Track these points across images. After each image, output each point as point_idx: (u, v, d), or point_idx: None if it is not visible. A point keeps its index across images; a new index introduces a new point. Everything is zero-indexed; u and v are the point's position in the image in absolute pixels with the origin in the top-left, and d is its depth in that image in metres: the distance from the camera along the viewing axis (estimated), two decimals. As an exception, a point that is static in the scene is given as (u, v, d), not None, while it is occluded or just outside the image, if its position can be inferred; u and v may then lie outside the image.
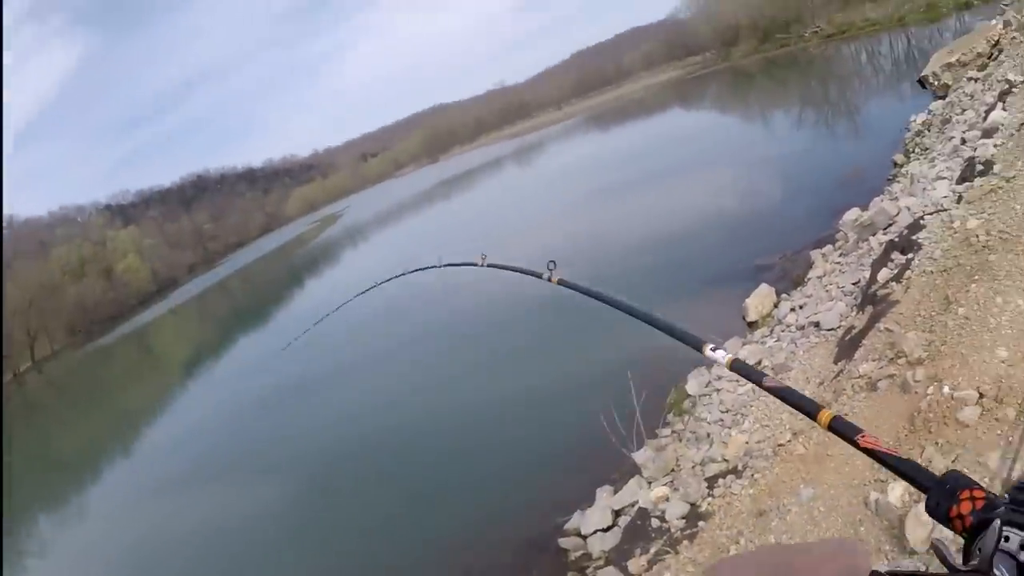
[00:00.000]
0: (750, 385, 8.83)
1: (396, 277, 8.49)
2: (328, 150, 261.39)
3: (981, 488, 1.20)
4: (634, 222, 26.55)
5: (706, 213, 23.04)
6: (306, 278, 63.07)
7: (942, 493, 1.25)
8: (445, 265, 6.90)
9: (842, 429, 1.69)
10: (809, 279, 13.05)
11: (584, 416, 11.33)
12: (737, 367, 2.22)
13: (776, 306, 12.83)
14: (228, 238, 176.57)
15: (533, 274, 4.00)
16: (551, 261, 3.81)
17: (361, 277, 46.25)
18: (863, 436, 1.59)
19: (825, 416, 1.74)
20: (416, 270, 7.90)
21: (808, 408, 1.83)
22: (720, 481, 8.18)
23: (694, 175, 30.85)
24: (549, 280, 3.77)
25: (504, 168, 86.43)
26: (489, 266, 5.20)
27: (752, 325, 12.78)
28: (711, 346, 2.36)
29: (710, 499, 7.98)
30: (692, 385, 11.41)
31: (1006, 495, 1.15)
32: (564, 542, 9.52)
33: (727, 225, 20.65)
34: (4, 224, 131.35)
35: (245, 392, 28.91)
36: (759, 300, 13.14)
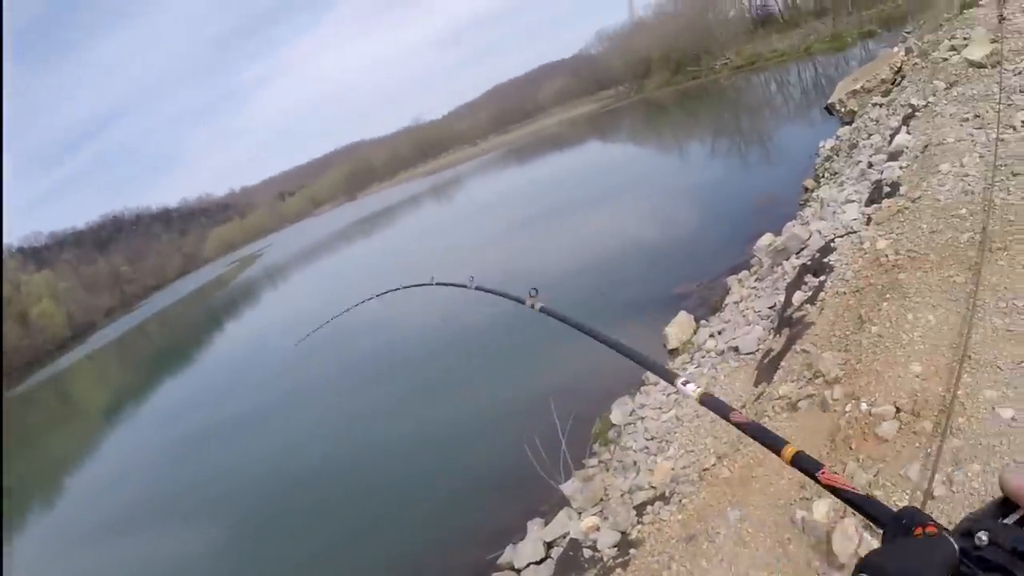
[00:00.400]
0: (673, 412, 8.97)
1: (391, 291, 8.61)
2: (245, 189, 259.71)
3: (935, 524, 1.21)
4: (552, 252, 26.75)
5: (624, 243, 23.30)
6: (225, 320, 62.56)
7: (898, 528, 1.26)
8: (437, 284, 6.92)
9: (804, 465, 1.71)
10: (727, 305, 13.27)
11: (512, 448, 11.34)
12: (706, 401, 2.24)
13: (695, 332, 13.03)
14: (146, 281, 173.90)
15: (517, 300, 4.03)
16: (533, 288, 3.85)
17: (283, 316, 46.09)
18: (823, 472, 1.64)
19: (789, 452, 1.76)
20: (411, 286, 7.95)
21: (774, 444, 1.85)
22: (649, 508, 8.22)
23: (611, 206, 31.19)
24: (531, 308, 3.80)
25: (422, 204, 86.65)
26: (477, 288, 5.27)
27: (673, 352, 12.93)
28: (682, 379, 2.36)
29: (640, 527, 8.01)
30: (616, 415, 11.49)
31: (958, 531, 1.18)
32: (497, 577, 9.50)
33: (645, 254, 20.93)
34: None
35: (167, 435, 28.61)
36: (679, 328, 13.31)
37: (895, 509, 1.30)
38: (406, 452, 15.64)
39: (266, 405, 25.09)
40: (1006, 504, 1.03)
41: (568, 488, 9.81)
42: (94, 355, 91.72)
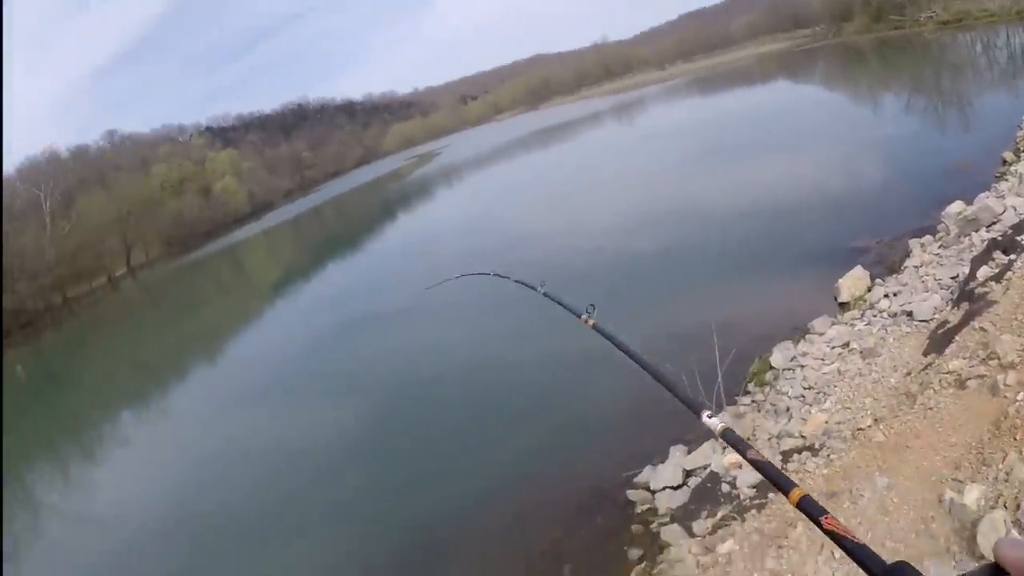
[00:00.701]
0: (836, 365, 8.93)
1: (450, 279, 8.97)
2: (428, 89, 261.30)
3: None
4: (732, 190, 26.27)
5: (806, 188, 22.76)
6: (397, 212, 63.57)
7: None
8: (499, 276, 7.10)
9: (809, 508, 1.75)
10: (906, 267, 12.92)
11: (666, 375, 11.43)
12: (727, 436, 2.27)
13: (869, 290, 12.73)
14: (325, 167, 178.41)
15: (574, 312, 4.15)
16: (591, 305, 3.95)
17: (454, 216, 46.54)
18: (827, 518, 1.71)
19: (796, 494, 1.79)
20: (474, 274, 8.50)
21: (783, 484, 1.91)
22: (795, 456, 8.27)
23: (795, 149, 30.33)
24: (585, 322, 3.89)
25: (602, 123, 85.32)
26: (545, 295, 5.37)
27: (843, 306, 12.70)
28: (707, 412, 2.40)
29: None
30: (777, 357, 11.44)
31: None
32: (632, 494, 9.72)
33: (827, 202, 20.37)
34: (107, 137, 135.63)
35: (325, 317, 29.49)
36: (853, 282, 13.04)
37: (888, 562, 1.38)
38: (565, 364, 15.87)
39: (424, 301, 25.66)
40: (997, 571, 1.11)
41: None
42: (269, 231, 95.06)
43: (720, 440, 2.27)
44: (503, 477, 12.04)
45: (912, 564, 1.32)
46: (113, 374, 37.66)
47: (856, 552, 1.46)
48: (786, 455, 8.48)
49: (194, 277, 72.48)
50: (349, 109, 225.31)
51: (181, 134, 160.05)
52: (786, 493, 1.82)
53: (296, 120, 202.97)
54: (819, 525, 1.65)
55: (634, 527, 9.10)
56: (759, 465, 2.03)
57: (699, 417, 2.40)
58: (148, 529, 15.48)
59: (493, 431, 13.89)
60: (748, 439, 9.04)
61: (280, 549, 12.62)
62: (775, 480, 1.90)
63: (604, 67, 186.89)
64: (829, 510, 1.67)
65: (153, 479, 18.64)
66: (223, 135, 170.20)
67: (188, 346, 37.02)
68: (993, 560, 1.06)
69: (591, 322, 3.83)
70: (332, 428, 17.03)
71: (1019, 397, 6.42)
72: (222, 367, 29.82)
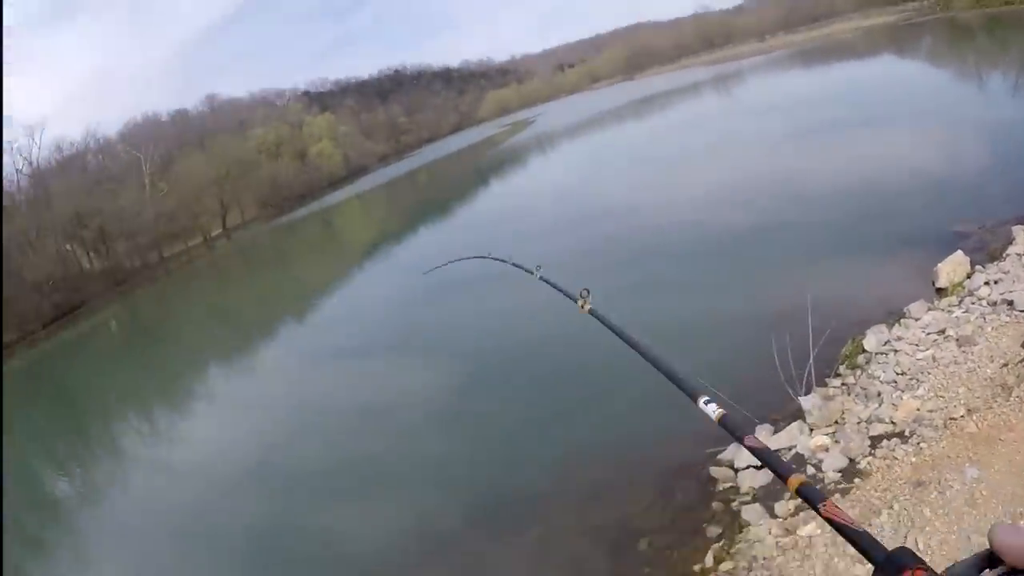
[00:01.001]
0: (931, 352, 8.79)
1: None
2: (525, 57, 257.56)
3: (924, 567, 1.27)
4: (831, 169, 25.80)
5: (907, 168, 22.20)
6: (491, 179, 64.01)
7: (890, 568, 1.31)
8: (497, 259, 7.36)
9: (808, 495, 1.77)
10: (1008, 255, 12.58)
11: (757, 350, 11.36)
12: (724, 422, 2.29)
13: (969, 277, 12.43)
14: (421, 133, 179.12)
15: (570, 297, 4.12)
16: (584, 289, 3.92)
17: (542, 186, 46.56)
18: (826, 505, 1.68)
19: (795, 480, 1.82)
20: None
21: (782, 470, 1.91)
22: (884, 442, 8.18)
23: (900, 127, 29.53)
24: (581, 308, 3.87)
25: (702, 94, 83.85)
26: (541, 279, 5.41)
27: (940, 292, 12.44)
28: (704, 398, 2.40)
29: (870, 458, 8.00)
30: (870, 341, 11.27)
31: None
32: (715, 471, 9.70)
33: (928, 184, 19.88)
34: (207, 101, 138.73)
35: (417, 281, 29.84)
36: (952, 267, 12.75)
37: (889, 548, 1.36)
38: (651, 330, 15.83)
39: (508, 270, 25.71)
40: (992, 558, 1.10)
41: (806, 402, 9.82)
42: (363, 195, 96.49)
43: (719, 426, 2.27)
44: (584, 449, 12.11)
45: (912, 550, 1.34)
46: (203, 330, 38.96)
47: (856, 538, 1.49)
48: (875, 440, 8.39)
49: (288, 238, 74.20)
50: (446, 75, 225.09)
51: (280, 98, 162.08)
52: (784, 479, 1.86)
53: (393, 85, 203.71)
54: (818, 512, 1.67)
55: (715, 504, 9.09)
56: (756, 452, 2.06)
57: (696, 402, 2.40)
58: (231, 481, 16.09)
59: (578, 402, 13.90)
60: (836, 422, 9.02)
61: (357, 505, 12.95)
62: (773, 467, 1.95)
63: (704, 37, 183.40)
64: (829, 500, 1.67)
65: (238, 432, 19.35)
66: (320, 100, 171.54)
67: (277, 305, 38.07)
68: (988, 547, 1.10)
69: (587, 307, 3.82)
70: (413, 389, 17.33)
71: (1120, 395, 6.26)
72: (308, 325, 30.79)
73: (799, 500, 5.87)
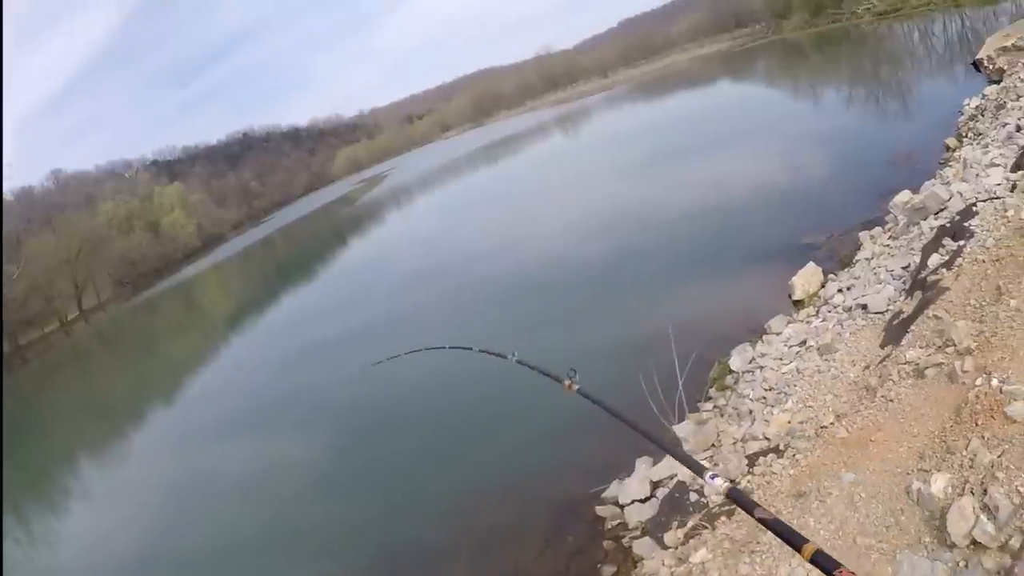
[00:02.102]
0: (795, 364, 8.91)
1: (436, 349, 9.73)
2: (374, 110, 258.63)
3: None
4: (678, 193, 26.48)
5: (753, 187, 22.86)
6: (349, 237, 63.81)
7: None
8: (480, 351, 7.30)
9: (822, 562, 1.83)
10: (857, 260, 12.97)
11: (626, 383, 11.39)
12: (733, 495, 2.36)
13: (823, 286, 12.78)
14: (273, 196, 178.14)
15: (555, 378, 4.14)
16: (571, 369, 3.92)
17: (406, 237, 46.69)
18: (841, 571, 1.75)
19: (809, 549, 1.89)
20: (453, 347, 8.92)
21: (795, 540, 1.97)
22: (761, 459, 8.22)
23: (739, 148, 30.44)
24: (567, 388, 3.89)
25: (549, 134, 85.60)
26: (518, 363, 5.46)
27: (798, 304, 12.73)
28: (710, 473, 2.51)
29: (750, 477, 8.02)
30: (736, 360, 11.44)
31: None
32: (601, 510, 9.64)
33: (774, 200, 20.51)
34: (52, 177, 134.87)
35: (283, 347, 29.49)
36: (806, 279, 13.07)
37: None
38: (519, 380, 15.82)
39: (379, 324, 25.62)
40: None
41: (681, 430, 9.86)
42: (220, 265, 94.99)
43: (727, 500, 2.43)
44: (469, 500, 11.95)
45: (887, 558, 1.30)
46: (71, 422, 37.25)
47: None
48: (752, 458, 8.43)
49: (147, 317, 72.29)
50: (295, 136, 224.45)
51: (128, 168, 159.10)
52: (799, 549, 1.93)
53: (242, 150, 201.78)
54: None
55: (605, 543, 9.02)
56: (768, 523, 2.12)
57: (702, 477, 2.53)
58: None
59: (454, 455, 13.81)
60: (713, 445, 9.06)
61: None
62: (786, 537, 2.00)
63: (548, 78, 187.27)
64: (844, 569, 1.76)
65: (123, 524, 18.38)
66: (169, 168, 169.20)
67: (145, 387, 36.98)
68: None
69: (574, 387, 3.80)
70: (296, 458, 17.04)
71: (977, 383, 6.39)
72: (181, 405, 29.84)
73: (687, 527, 5.85)
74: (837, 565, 1.77)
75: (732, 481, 2.04)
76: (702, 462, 8.88)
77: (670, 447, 2.74)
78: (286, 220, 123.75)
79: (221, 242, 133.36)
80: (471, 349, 7.41)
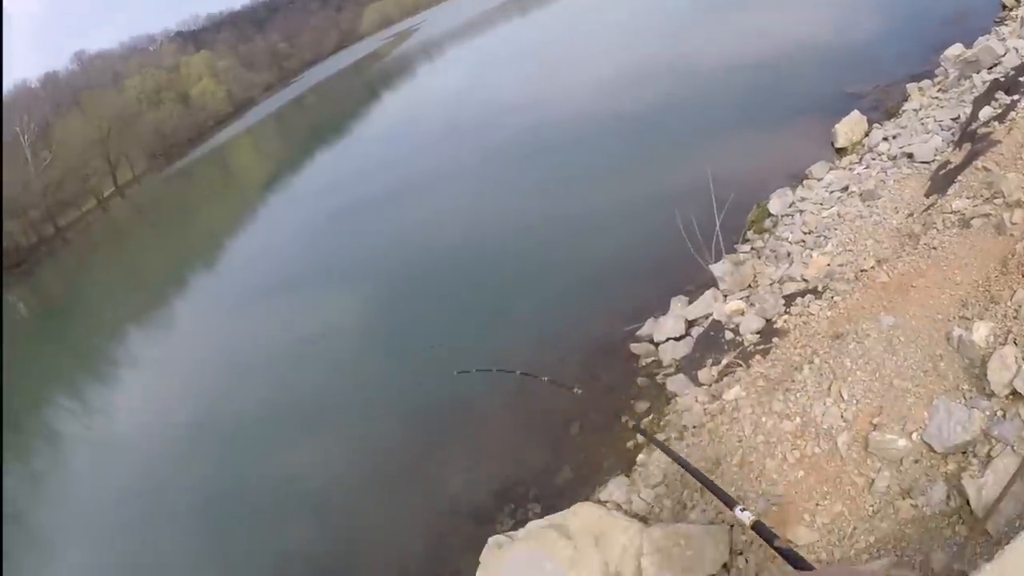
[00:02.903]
0: (835, 209, 8.90)
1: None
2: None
3: None
4: (722, 42, 25.75)
5: (797, 38, 22.14)
6: (381, 92, 62.54)
7: None
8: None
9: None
10: (904, 111, 12.70)
11: (663, 226, 11.44)
12: (758, 528, 2.61)
13: (867, 134, 12.55)
14: (303, 56, 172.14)
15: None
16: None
17: (438, 90, 45.67)
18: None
19: None
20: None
21: (802, 565, 2.24)
22: (798, 300, 8.27)
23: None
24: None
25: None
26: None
27: (840, 151, 12.56)
28: (740, 507, 2.79)
29: (786, 317, 8.09)
30: (775, 204, 11.40)
31: None
32: (635, 347, 9.80)
33: (818, 52, 19.90)
34: (75, 59, 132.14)
35: (321, 207, 29.37)
36: (849, 127, 12.86)
37: None
38: (559, 223, 15.89)
39: (413, 179, 25.53)
40: None
41: (717, 270, 9.91)
42: (253, 129, 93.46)
43: (751, 531, 2.71)
44: (505, 343, 12.18)
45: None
46: (114, 296, 37.60)
47: None
48: (789, 299, 8.48)
49: (183, 186, 71.61)
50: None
51: (152, 43, 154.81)
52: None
53: (267, 12, 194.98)
54: None
55: (640, 380, 9.21)
56: (782, 551, 2.38)
57: (732, 510, 2.79)
58: (174, 441, 15.88)
59: (490, 299, 14.03)
60: (749, 286, 9.12)
61: (306, 440, 12.96)
62: (794, 562, 2.26)
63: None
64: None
65: (171, 392, 18.85)
66: (195, 38, 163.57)
67: (185, 256, 37.13)
68: None
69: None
70: (342, 314, 17.25)
71: (1026, 234, 6.35)
72: (223, 271, 30.19)
73: (721, 366, 5.99)
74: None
75: (758, 516, 2.20)
76: (741, 302, 8.99)
77: (709, 483, 2.99)
78: (317, 79, 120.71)
79: (252, 106, 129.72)
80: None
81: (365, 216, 24.65)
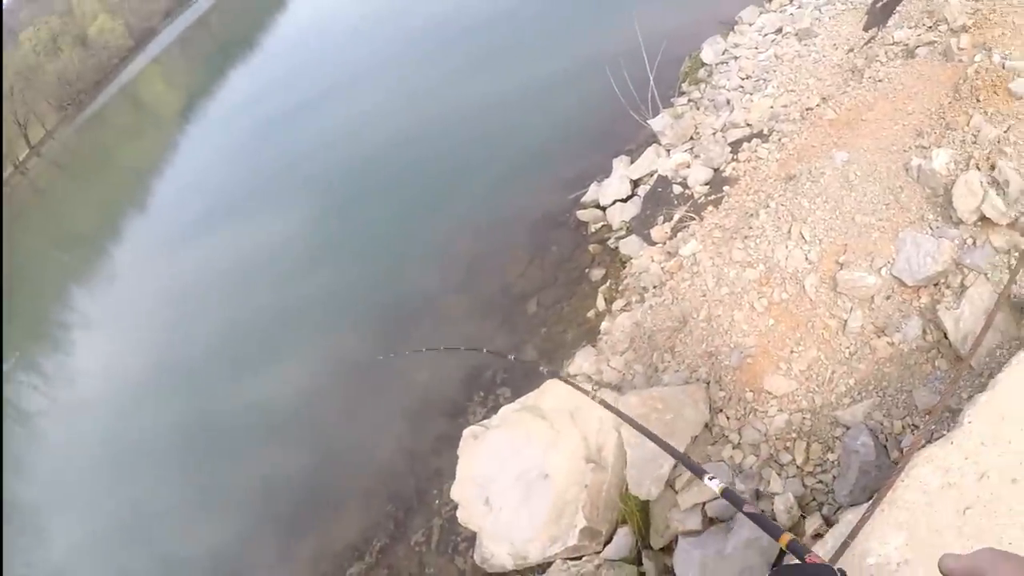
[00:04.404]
0: (772, 51, 8.69)
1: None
2: None
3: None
4: None
5: None
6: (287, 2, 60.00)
7: None
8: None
9: (795, 549, 2.06)
10: (832, -53, 12.47)
11: (595, 88, 11.22)
12: (727, 495, 2.63)
13: (795, -26, 12.31)
14: None
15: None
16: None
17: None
18: (809, 556, 1.97)
19: (784, 538, 2.15)
20: None
21: (774, 532, 2.24)
22: (744, 146, 8.14)
23: None
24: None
25: None
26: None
27: (771, -9, 12.32)
28: (709, 475, 2.76)
29: (735, 164, 7.97)
30: (707, 53, 11.15)
31: None
32: (582, 214, 9.64)
33: None
34: None
35: (242, 125, 28.59)
36: (777, -37, 12.58)
37: None
38: (489, 97, 15.59)
39: (335, 82, 24.86)
40: None
41: (657, 124, 9.72)
42: (159, 58, 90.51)
43: (721, 498, 2.69)
44: (451, 225, 12.04)
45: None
46: (50, 259, 36.16)
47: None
48: (735, 145, 8.35)
49: (98, 132, 68.37)
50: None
51: None
52: (776, 537, 2.20)
53: None
54: (803, 561, 1.96)
55: (591, 247, 9.11)
56: (753, 516, 2.41)
57: (702, 479, 2.78)
58: (135, 384, 15.47)
59: (431, 198, 13.90)
60: (691, 137, 8.96)
61: (263, 363, 12.81)
62: (767, 528, 2.30)
63: None
64: (811, 552, 2.01)
65: (123, 338, 18.49)
66: None
67: (115, 203, 35.71)
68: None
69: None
70: (288, 227, 16.91)
71: (976, 59, 6.19)
72: (153, 210, 29.28)
73: (674, 221, 5.88)
74: (807, 551, 1.99)
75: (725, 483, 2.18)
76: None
77: (675, 452, 2.97)
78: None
79: (154, 36, 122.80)
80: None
81: (288, 126, 24.11)
